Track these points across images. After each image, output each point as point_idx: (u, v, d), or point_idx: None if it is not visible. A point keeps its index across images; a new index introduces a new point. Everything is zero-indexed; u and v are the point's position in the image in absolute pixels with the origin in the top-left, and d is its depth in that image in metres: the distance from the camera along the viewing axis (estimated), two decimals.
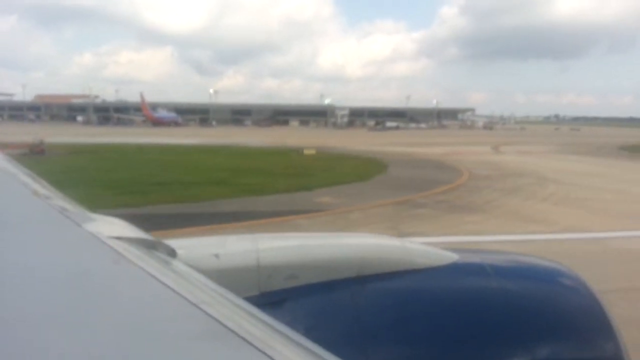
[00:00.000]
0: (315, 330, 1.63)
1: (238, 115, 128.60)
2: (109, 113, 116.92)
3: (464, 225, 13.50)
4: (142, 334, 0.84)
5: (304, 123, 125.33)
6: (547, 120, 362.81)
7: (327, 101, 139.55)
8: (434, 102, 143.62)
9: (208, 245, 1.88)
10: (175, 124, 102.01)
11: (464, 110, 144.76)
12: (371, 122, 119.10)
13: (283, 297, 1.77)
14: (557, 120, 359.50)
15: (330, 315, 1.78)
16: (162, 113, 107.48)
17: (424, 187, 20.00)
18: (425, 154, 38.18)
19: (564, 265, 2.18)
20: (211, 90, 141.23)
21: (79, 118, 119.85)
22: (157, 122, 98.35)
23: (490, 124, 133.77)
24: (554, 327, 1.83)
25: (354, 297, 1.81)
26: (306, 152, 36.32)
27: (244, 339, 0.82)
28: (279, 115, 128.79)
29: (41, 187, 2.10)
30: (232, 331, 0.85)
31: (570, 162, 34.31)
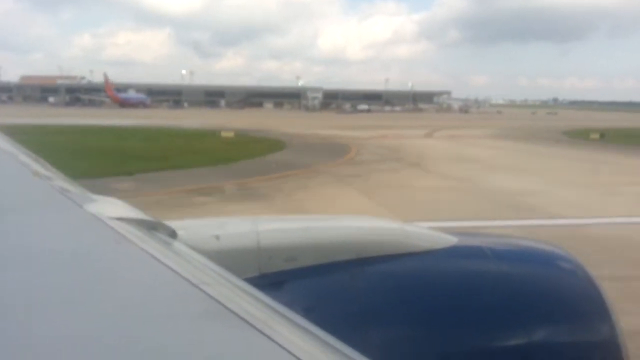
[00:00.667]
0: (314, 311, 1.62)
1: (212, 97, 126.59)
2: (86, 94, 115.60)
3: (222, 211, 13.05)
4: (143, 315, 0.84)
5: (278, 105, 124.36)
6: (544, 104, 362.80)
7: (300, 83, 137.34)
8: (410, 85, 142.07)
9: (208, 226, 1.89)
10: (144, 105, 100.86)
11: (440, 93, 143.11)
12: (347, 105, 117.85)
13: (283, 278, 1.78)
14: (555, 104, 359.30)
15: (330, 297, 1.80)
16: (131, 94, 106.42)
17: (272, 171, 19.95)
18: (348, 137, 37.73)
19: (562, 249, 2.20)
20: (183, 71, 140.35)
21: (50, 99, 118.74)
22: (124, 104, 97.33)
23: (466, 107, 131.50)
24: (551, 309, 1.85)
25: (353, 279, 1.82)
26: (223, 134, 35.75)
27: (243, 319, 0.83)
28: (252, 98, 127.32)
29: (42, 168, 2.11)
30: (232, 312, 0.85)
31: (486, 148, 33.67)
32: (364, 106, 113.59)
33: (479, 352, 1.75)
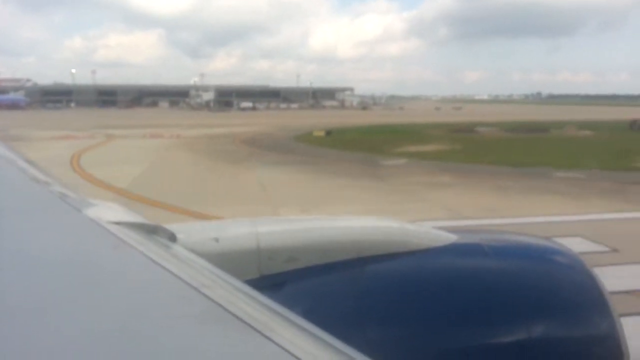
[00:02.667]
0: (315, 312, 1.61)
1: (104, 96, 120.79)
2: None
3: None
4: (143, 319, 0.84)
5: (174, 104, 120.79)
6: (527, 99, 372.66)
7: (192, 80, 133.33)
8: (310, 82, 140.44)
9: (208, 229, 1.88)
10: (18, 107, 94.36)
11: (343, 89, 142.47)
12: (247, 103, 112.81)
13: (283, 279, 1.78)
14: (539, 99, 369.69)
15: (331, 297, 1.80)
16: (7, 96, 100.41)
17: None
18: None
19: (562, 245, 2.21)
20: (73, 70, 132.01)
21: None
22: None
23: (364, 104, 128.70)
24: (551, 305, 1.85)
25: (353, 278, 1.83)
26: None
27: (244, 321, 0.82)
28: (145, 96, 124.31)
29: (40, 174, 2.10)
30: (233, 314, 0.85)
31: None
32: (247, 104, 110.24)
33: (480, 349, 1.76)
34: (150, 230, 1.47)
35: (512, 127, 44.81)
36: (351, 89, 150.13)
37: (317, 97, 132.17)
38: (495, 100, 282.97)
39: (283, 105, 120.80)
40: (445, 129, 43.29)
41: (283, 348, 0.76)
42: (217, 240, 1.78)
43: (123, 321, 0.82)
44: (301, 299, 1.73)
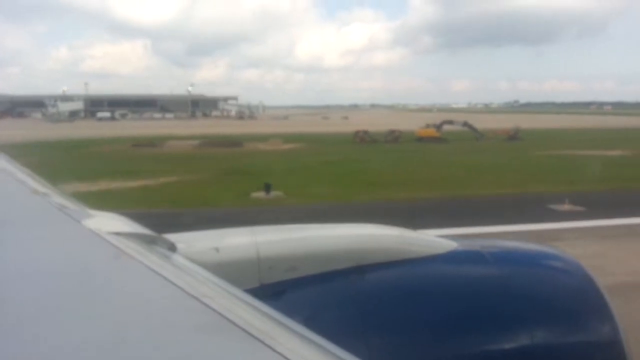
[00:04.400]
0: (315, 320, 1.60)
1: None
2: None
3: None
4: (144, 328, 0.84)
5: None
6: (507, 106, 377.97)
7: (63, 90, 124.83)
8: (189, 89, 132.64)
9: (207, 238, 1.88)
10: None
11: (225, 99, 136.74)
12: (105, 113, 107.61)
13: (283, 288, 1.78)
14: (517, 106, 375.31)
15: (331, 305, 1.80)
16: None
17: None
18: None
19: (562, 252, 2.20)
20: None
21: None
22: None
23: (241, 114, 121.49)
24: (553, 312, 1.85)
25: (354, 287, 1.82)
26: None
27: (245, 331, 0.83)
28: (18, 107, 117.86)
29: (40, 185, 2.10)
30: (234, 323, 0.85)
31: None
32: (104, 114, 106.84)
33: (482, 356, 1.75)
34: (150, 241, 1.47)
35: (212, 140, 42.11)
36: (234, 98, 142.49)
37: (198, 106, 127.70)
38: (462, 109, 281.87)
39: (158, 115, 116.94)
40: (143, 141, 40.97)
41: (284, 357, 0.76)
42: (217, 249, 1.78)
43: (124, 331, 0.83)
44: (301, 307, 1.73)
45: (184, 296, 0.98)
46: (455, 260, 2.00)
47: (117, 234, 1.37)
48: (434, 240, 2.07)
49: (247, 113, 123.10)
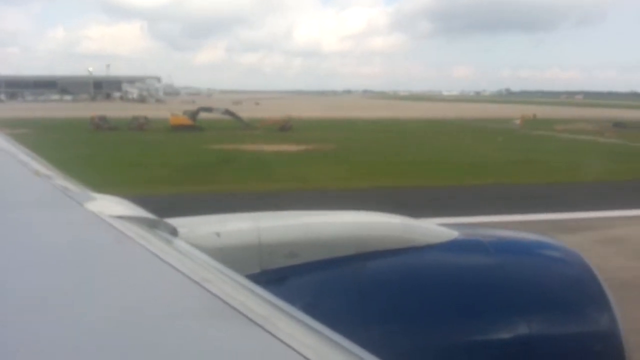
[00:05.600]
0: (316, 307, 1.61)
1: None
2: None
3: None
4: (145, 312, 0.85)
5: None
6: (497, 94, 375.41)
7: None
8: (90, 69, 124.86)
9: (209, 223, 1.88)
10: None
11: (132, 80, 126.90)
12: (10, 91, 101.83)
13: (284, 274, 1.78)
14: (508, 94, 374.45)
15: (331, 292, 1.81)
16: None
17: None
18: None
19: (562, 242, 2.21)
20: None
21: None
22: None
23: (142, 97, 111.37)
24: (552, 302, 1.86)
25: (354, 274, 1.83)
26: None
27: (245, 316, 0.83)
28: None
29: (42, 167, 2.10)
30: (234, 309, 0.85)
31: None
32: None
33: (481, 345, 1.77)
34: (152, 225, 1.47)
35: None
36: (156, 78, 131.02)
37: (101, 87, 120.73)
38: (452, 97, 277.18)
39: (55, 97, 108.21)
40: None
41: (284, 342, 0.76)
42: (218, 234, 1.78)
43: (125, 315, 0.83)
44: (302, 294, 1.73)
45: (185, 280, 0.98)
46: (457, 249, 2.01)
47: (119, 217, 1.37)
48: (435, 228, 2.08)
49: (145, 95, 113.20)
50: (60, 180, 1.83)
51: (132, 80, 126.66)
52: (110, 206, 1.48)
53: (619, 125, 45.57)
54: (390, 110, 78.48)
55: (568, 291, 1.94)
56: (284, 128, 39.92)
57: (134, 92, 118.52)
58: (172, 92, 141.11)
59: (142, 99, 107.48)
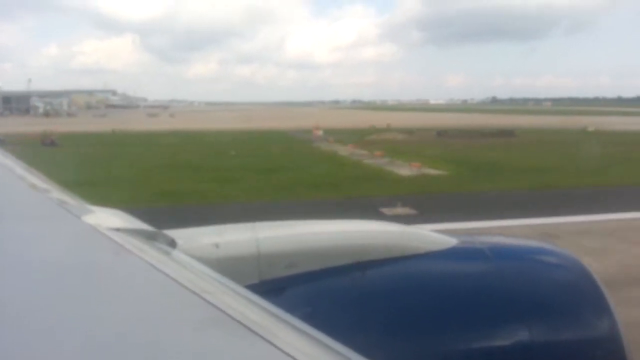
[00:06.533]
0: (316, 317, 1.57)
1: None
2: None
3: None
4: (145, 324, 0.84)
5: None
6: (483, 103, 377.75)
7: None
8: None
9: (208, 234, 1.88)
10: None
11: (43, 95, 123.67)
12: None
13: (283, 284, 1.77)
14: (492, 102, 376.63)
15: (331, 302, 1.80)
16: None
17: None
18: None
19: (562, 248, 2.20)
20: None
21: None
22: None
23: (47, 111, 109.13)
24: (552, 308, 1.86)
25: (354, 283, 1.83)
26: None
27: (246, 326, 0.83)
28: None
29: (39, 181, 2.09)
30: (234, 319, 0.85)
31: None
32: None
33: (482, 353, 1.76)
34: (150, 237, 1.46)
35: None
36: (112, 91, 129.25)
37: (10, 102, 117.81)
38: (439, 106, 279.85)
39: None
40: None
41: (284, 352, 0.76)
42: (217, 245, 1.77)
43: (124, 327, 0.82)
44: (301, 303, 1.72)
45: (184, 292, 0.98)
46: (456, 256, 2.01)
47: (117, 229, 1.37)
48: (434, 236, 2.07)
49: (49, 110, 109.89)
50: (58, 194, 1.82)
51: (44, 95, 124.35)
52: (107, 219, 1.47)
53: (441, 135, 43.55)
54: (310, 119, 69.14)
55: (568, 297, 1.93)
56: (46, 143, 36.23)
57: (39, 106, 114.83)
58: (129, 105, 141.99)
59: (46, 113, 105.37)
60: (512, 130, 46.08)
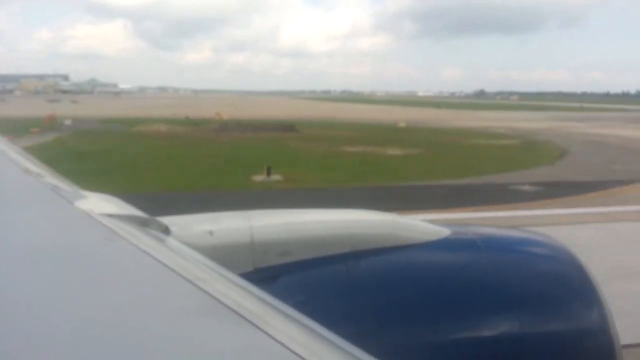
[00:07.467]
0: (309, 305, 1.59)
1: None
2: None
3: None
4: (137, 311, 0.84)
5: None
6: (471, 95, 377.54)
7: None
8: None
9: (202, 222, 1.87)
10: None
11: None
12: None
13: (277, 272, 1.78)
14: (477, 95, 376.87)
15: (324, 290, 1.82)
16: None
17: None
18: None
19: (552, 238, 2.23)
20: None
21: None
22: None
23: None
24: (543, 298, 1.88)
25: (347, 272, 1.84)
26: None
27: (238, 314, 0.83)
28: None
29: (32, 165, 2.08)
30: (227, 307, 0.85)
31: None
32: None
33: (473, 342, 1.78)
34: (144, 223, 1.45)
35: None
36: (64, 76, 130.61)
37: None
38: (426, 98, 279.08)
39: None
40: None
41: (277, 340, 0.76)
42: (211, 233, 1.77)
43: (116, 314, 0.82)
44: (295, 292, 1.73)
45: (177, 279, 0.97)
46: (448, 246, 2.02)
47: (110, 215, 1.35)
48: (426, 226, 2.09)
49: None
50: (51, 179, 1.80)
51: None
52: (101, 204, 1.46)
53: (221, 129, 42.77)
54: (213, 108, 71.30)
55: (558, 287, 1.95)
56: None
57: None
58: (81, 91, 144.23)
59: None
60: (294, 125, 45.66)
